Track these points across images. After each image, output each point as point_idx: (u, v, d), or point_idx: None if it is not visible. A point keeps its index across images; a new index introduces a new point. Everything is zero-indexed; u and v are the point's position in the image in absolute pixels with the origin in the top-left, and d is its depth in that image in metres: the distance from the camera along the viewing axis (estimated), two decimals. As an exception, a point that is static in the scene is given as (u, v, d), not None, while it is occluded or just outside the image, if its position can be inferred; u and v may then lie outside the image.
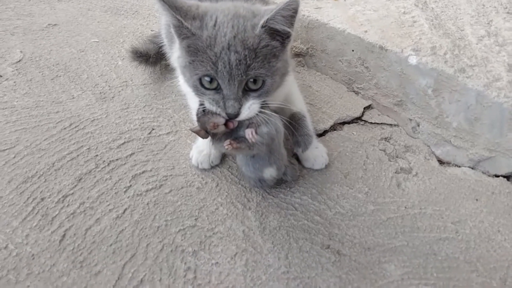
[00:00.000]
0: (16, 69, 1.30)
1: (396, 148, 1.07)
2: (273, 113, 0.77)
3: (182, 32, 0.71)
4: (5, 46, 1.42)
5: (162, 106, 1.18)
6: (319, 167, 0.97)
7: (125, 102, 1.19)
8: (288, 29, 0.71)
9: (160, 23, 1.23)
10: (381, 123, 1.14)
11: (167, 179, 0.96)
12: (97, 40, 1.49)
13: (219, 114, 0.74)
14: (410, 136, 1.11)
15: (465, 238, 0.84)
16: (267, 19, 0.69)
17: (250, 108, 0.73)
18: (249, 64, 0.70)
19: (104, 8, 1.73)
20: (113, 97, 1.21)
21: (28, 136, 1.05)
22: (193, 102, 0.93)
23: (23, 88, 1.22)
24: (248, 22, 0.71)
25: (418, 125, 1.09)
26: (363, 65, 1.16)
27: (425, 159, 1.04)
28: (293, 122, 0.89)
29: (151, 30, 1.57)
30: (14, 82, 1.24)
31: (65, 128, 1.08)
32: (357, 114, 1.15)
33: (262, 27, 0.70)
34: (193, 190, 0.93)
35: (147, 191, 0.92)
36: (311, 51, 1.29)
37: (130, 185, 0.93)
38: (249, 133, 0.75)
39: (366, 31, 1.16)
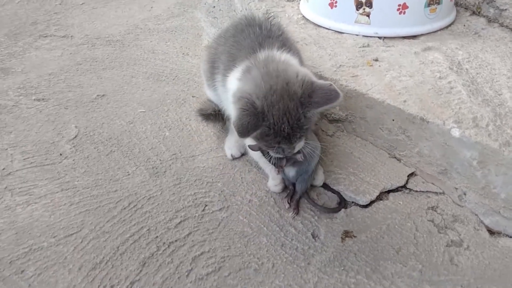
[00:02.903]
0: (74, 146, 1.40)
1: (444, 218, 1.09)
2: (310, 140, 1.05)
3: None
4: (61, 121, 1.53)
5: (212, 179, 1.24)
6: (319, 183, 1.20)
7: (176, 177, 1.26)
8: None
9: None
10: (427, 191, 1.16)
11: (224, 260, 1.01)
12: (144, 110, 1.59)
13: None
14: (457, 205, 1.12)
15: (527, 320, 0.85)
16: (316, 111, 0.94)
17: (298, 146, 0.99)
18: (301, 135, 0.95)
19: (146, 75, 1.84)
20: (165, 172, 1.28)
21: (91, 218, 1.12)
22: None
23: (82, 167, 1.31)
24: (297, 109, 0.91)
25: (465, 194, 1.11)
26: (404, 134, 1.20)
27: (474, 229, 1.05)
28: None
29: (192, 96, 1.66)
30: (73, 160, 1.34)
31: (124, 208, 1.15)
32: (401, 183, 1.18)
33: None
34: (250, 272, 0.97)
35: (207, 274, 0.97)
36: (350, 117, 1.34)
37: (191, 268, 0.99)
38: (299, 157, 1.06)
39: (405, 101, 1.20)
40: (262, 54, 1.01)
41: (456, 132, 1.07)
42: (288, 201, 1.14)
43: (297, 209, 1.12)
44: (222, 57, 1.16)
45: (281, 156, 1.01)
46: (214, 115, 1.34)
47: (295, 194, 1.15)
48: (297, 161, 1.07)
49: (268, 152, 1.04)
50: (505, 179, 1.00)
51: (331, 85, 0.92)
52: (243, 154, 1.32)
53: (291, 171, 1.13)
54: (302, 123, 0.92)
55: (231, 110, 1.10)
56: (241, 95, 0.93)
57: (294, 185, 1.16)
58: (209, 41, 1.37)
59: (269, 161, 1.06)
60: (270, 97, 0.90)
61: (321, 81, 0.94)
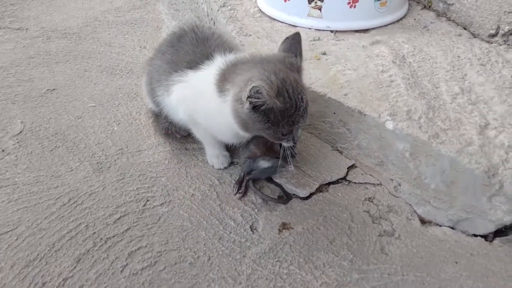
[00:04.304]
0: (17, 142, 1.37)
1: (379, 208, 1.12)
2: None
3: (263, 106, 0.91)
4: (7, 116, 1.50)
5: (156, 174, 1.24)
6: None
7: (121, 172, 1.25)
8: None
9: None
10: (365, 183, 1.19)
11: (161, 254, 1.01)
12: (94, 105, 1.57)
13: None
14: (392, 195, 1.16)
15: (446, 305, 0.88)
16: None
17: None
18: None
19: (100, 68, 1.82)
20: (109, 167, 1.27)
21: (29, 215, 1.11)
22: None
23: (24, 163, 1.29)
24: (300, 79, 0.97)
25: (400, 185, 1.14)
26: (344, 127, 1.22)
27: (407, 219, 1.09)
28: None
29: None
30: (16, 156, 1.31)
31: (64, 204, 1.14)
32: (342, 175, 1.21)
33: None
34: (185, 266, 0.98)
35: (142, 269, 0.98)
36: (296, 111, 1.35)
37: (126, 264, 0.99)
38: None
39: (346, 94, 1.22)
40: (224, 56, 1.05)
41: (390, 125, 1.09)
42: (237, 187, 1.16)
43: (245, 191, 1.16)
44: (163, 67, 1.16)
45: (291, 145, 1.03)
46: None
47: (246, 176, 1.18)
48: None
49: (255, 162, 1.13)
50: (434, 170, 1.03)
51: (287, 37, 1.01)
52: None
53: (265, 163, 1.15)
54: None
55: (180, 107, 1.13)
56: (253, 77, 0.90)
57: (249, 173, 1.18)
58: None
59: (281, 158, 1.08)
60: (281, 74, 0.92)
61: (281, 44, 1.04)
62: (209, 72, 1.03)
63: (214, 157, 1.25)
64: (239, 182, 1.17)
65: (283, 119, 0.93)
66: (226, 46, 1.11)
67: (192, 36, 1.13)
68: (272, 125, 0.94)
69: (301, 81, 0.97)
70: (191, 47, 1.11)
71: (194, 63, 1.07)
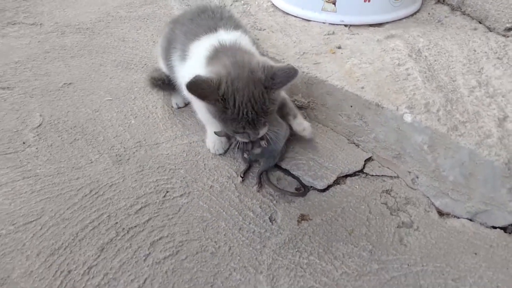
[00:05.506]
0: (37, 134, 1.40)
1: (397, 200, 1.13)
2: (275, 126, 1.14)
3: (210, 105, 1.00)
4: (26, 109, 1.52)
5: (175, 166, 1.26)
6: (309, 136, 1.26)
7: (140, 164, 1.27)
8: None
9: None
10: (382, 175, 1.20)
11: (182, 244, 1.03)
12: (111, 98, 1.58)
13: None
14: (410, 188, 1.16)
15: (466, 295, 0.89)
16: (277, 92, 1.01)
17: (262, 131, 1.06)
18: (265, 120, 1.03)
19: (115, 63, 1.83)
20: (128, 159, 1.29)
21: (52, 205, 1.13)
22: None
23: (44, 155, 1.31)
24: (262, 95, 0.98)
25: (417, 177, 1.15)
26: (361, 119, 1.23)
27: (425, 211, 1.10)
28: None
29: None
30: (36, 148, 1.34)
31: (86, 195, 1.16)
32: (359, 167, 1.22)
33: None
34: (207, 256, 1.00)
35: (164, 258, 0.99)
36: (312, 104, 1.36)
37: (149, 253, 1.01)
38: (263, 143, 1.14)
39: (362, 87, 1.23)
40: (226, 38, 1.10)
41: (408, 117, 1.10)
42: (241, 175, 1.20)
43: (260, 183, 1.18)
44: (180, 37, 1.23)
45: (246, 140, 1.09)
46: (162, 85, 1.43)
47: (259, 169, 1.21)
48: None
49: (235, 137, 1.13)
50: (452, 162, 1.04)
51: (288, 64, 1.00)
52: (187, 104, 1.47)
53: (256, 149, 1.18)
54: (267, 106, 1.00)
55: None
56: (212, 74, 0.99)
57: (254, 161, 1.22)
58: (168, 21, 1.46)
59: (236, 146, 1.16)
60: (237, 83, 0.97)
61: (279, 64, 1.03)
62: (207, 42, 1.10)
63: (211, 142, 1.28)
64: (244, 172, 1.21)
65: (227, 121, 1.00)
66: (232, 23, 1.18)
67: (209, 13, 1.23)
68: (220, 120, 1.02)
69: (261, 96, 0.98)
70: (205, 22, 1.19)
71: (199, 35, 1.15)
